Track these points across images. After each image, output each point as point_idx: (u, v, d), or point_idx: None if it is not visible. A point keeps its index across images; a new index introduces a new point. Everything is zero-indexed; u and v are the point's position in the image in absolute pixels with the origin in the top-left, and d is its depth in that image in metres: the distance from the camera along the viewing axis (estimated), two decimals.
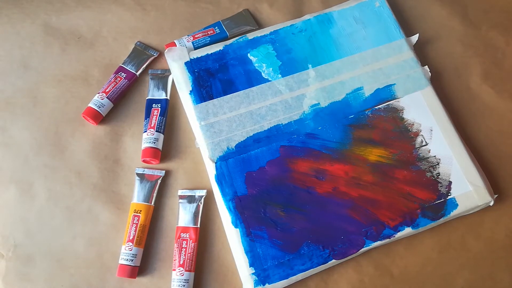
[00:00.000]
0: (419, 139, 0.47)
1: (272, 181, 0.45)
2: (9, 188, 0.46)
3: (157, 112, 0.47)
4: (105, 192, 0.46)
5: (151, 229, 0.45)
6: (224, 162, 0.45)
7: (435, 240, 0.45)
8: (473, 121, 0.50)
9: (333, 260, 0.43)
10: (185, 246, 0.43)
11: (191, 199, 0.45)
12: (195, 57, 0.49)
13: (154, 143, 0.46)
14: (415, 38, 0.51)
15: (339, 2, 0.53)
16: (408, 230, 0.44)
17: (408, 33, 0.52)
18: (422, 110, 0.47)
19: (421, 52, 0.52)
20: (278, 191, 0.44)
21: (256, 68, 0.49)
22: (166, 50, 0.50)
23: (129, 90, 0.50)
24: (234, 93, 0.48)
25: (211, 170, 0.45)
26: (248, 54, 0.49)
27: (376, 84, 0.48)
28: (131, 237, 0.43)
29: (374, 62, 0.49)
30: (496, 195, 0.45)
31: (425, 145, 0.46)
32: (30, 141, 0.47)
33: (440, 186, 0.45)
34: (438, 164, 0.46)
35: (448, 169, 0.45)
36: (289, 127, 0.47)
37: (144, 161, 0.46)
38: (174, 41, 0.50)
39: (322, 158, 0.46)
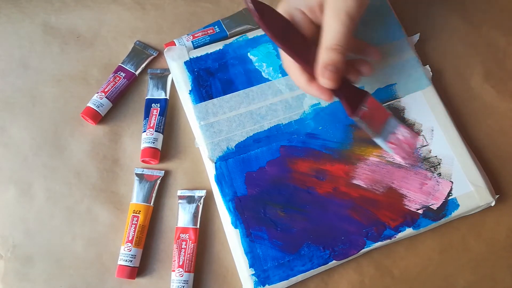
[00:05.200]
0: (420, 139, 0.46)
1: (272, 181, 0.45)
2: (8, 188, 0.46)
3: (157, 112, 0.47)
4: (104, 192, 0.46)
5: (150, 229, 0.45)
6: (224, 162, 0.45)
7: (436, 240, 0.45)
8: (474, 121, 0.49)
9: (334, 261, 0.42)
10: (185, 246, 0.43)
11: (190, 199, 0.45)
12: (194, 56, 0.49)
13: (153, 143, 0.46)
14: (416, 37, 0.50)
15: None
16: (409, 231, 0.43)
17: (409, 32, 0.51)
18: (423, 110, 0.47)
19: (422, 52, 0.52)
20: (278, 191, 0.44)
21: (256, 67, 0.49)
22: (165, 50, 0.49)
23: (128, 90, 0.49)
24: (234, 93, 0.47)
25: (210, 170, 0.45)
26: (248, 53, 0.49)
27: (377, 84, 0.48)
28: (130, 238, 0.43)
29: (375, 62, 0.49)
30: (498, 195, 0.45)
31: (426, 145, 0.46)
32: (29, 141, 0.47)
33: (441, 187, 0.45)
34: (439, 164, 0.45)
35: (449, 169, 0.45)
36: (290, 127, 0.46)
37: (143, 161, 0.46)
38: (174, 40, 0.50)
39: (322, 158, 0.45)
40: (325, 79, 0.38)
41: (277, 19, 0.38)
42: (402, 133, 0.44)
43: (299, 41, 0.39)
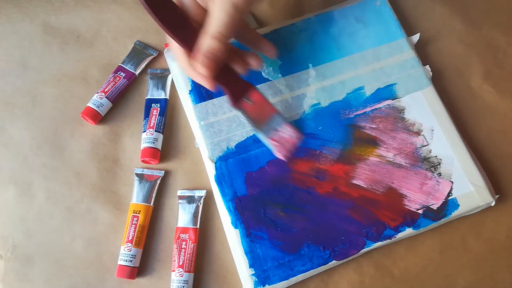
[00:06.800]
0: (420, 139, 0.46)
1: (272, 181, 0.45)
2: (8, 188, 0.46)
3: (157, 112, 0.47)
4: (104, 192, 0.46)
5: (150, 229, 0.45)
6: (224, 162, 0.45)
7: (436, 240, 0.45)
8: (474, 121, 0.49)
9: (334, 261, 0.42)
10: (185, 246, 0.43)
11: (190, 199, 0.45)
12: None
13: (153, 143, 0.46)
14: (416, 37, 0.50)
15: (340, 1, 0.53)
16: (409, 231, 0.43)
17: (409, 32, 0.51)
18: (423, 110, 0.47)
19: (422, 52, 0.52)
20: (278, 191, 0.44)
21: None
22: (165, 50, 0.49)
23: (128, 90, 0.49)
24: None
25: (210, 170, 0.45)
26: None
27: (377, 84, 0.48)
28: (130, 238, 0.43)
29: (375, 62, 0.49)
30: (498, 195, 0.45)
31: (426, 145, 0.46)
32: (29, 141, 0.47)
33: (442, 187, 0.45)
34: (439, 164, 0.45)
35: (449, 169, 0.45)
36: None
37: (143, 161, 0.46)
38: None
39: (322, 158, 0.45)
40: (202, 66, 0.38)
41: (164, 1, 0.38)
42: (286, 131, 0.45)
43: (186, 26, 0.39)
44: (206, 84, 0.40)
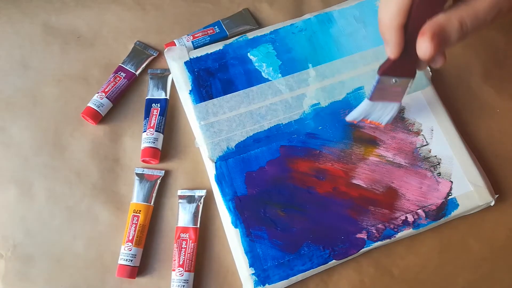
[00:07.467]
0: (419, 138, 0.46)
1: (272, 181, 0.45)
2: (8, 188, 0.46)
3: (157, 112, 0.47)
4: (105, 192, 0.46)
5: (150, 229, 0.45)
6: (224, 162, 0.45)
7: (435, 240, 0.45)
8: (473, 121, 0.50)
9: (334, 261, 0.43)
10: (185, 246, 0.43)
11: (190, 199, 0.45)
12: (194, 56, 0.49)
13: (154, 143, 0.46)
14: None
15: (340, 1, 0.53)
16: (408, 231, 0.43)
17: None
18: (422, 110, 0.47)
19: None
20: (278, 191, 0.44)
21: (256, 67, 0.49)
22: (165, 50, 0.50)
23: (129, 90, 0.50)
24: (234, 93, 0.48)
25: (210, 170, 0.45)
26: (248, 53, 0.49)
27: None
28: (130, 237, 0.43)
29: (374, 62, 0.49)
30: (497, 195, 0.45)
31: (425, 145, 0.46)
32: (30, 141, 0.47)
33: (441, 186, 0.45)
34: (439, 164, 0.45)
35: (449, 169, 0.45)
36: (289, 127, 0.47)
37: (143, 161, 0.46)
38: (174, 40, 0.50)
39: (322, 158, 0.45)
40: (429, 42, 0.33)
41: None
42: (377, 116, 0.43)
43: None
44: (394, 51, 0.35)
